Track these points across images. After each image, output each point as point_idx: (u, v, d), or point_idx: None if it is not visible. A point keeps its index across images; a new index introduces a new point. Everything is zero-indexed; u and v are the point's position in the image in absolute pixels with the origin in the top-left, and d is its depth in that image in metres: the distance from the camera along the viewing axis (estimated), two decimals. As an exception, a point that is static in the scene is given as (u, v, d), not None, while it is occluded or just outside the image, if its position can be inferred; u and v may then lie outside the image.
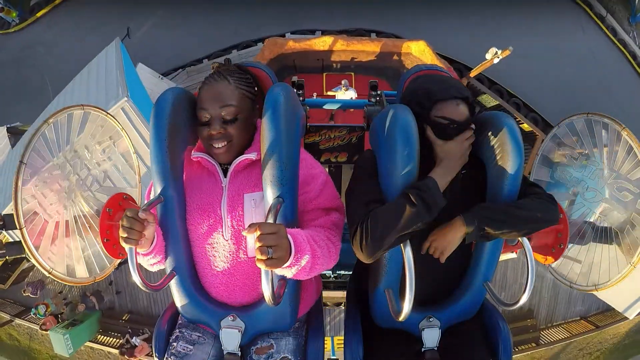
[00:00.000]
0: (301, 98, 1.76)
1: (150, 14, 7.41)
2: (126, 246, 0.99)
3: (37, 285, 6.93)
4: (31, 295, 6.88)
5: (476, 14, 7.27)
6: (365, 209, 1.09)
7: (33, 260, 1.15)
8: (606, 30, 7.59)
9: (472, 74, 5.02)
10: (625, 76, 7.52)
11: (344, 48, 4.91)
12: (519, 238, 1.10)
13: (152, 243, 1.08)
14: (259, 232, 0.87)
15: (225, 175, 1.16)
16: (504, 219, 1.07)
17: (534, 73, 6.89)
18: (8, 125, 5.45)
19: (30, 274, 6.92)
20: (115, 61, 3.79)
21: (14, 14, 8.14)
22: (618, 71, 7.48)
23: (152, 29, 7.39)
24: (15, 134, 5.45)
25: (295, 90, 1.71)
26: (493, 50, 3.85)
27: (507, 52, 3.86)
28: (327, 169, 1.96)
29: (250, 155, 1.15)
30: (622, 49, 7.59)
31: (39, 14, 7.88)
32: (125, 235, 0.98)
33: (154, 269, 1.18)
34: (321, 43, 4.87)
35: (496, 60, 4.05)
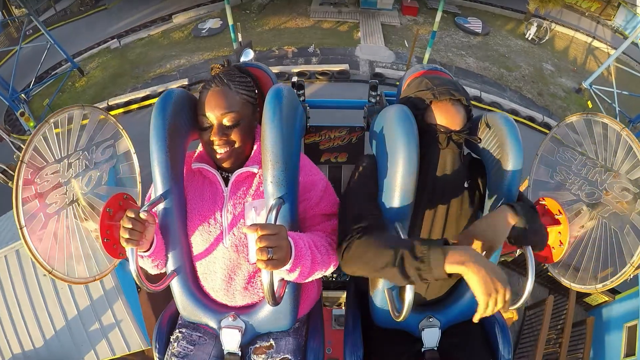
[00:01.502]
0: (301, 98, 1.76)
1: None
2: (127, 246, 1.00)
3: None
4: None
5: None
6: (354, 225, 1.06)
7: (33, 260, 1.15)
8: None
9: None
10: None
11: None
12: None
13: (151, 244, 1.08)
14: (260, 233, 0.87)
15: (226, 184, 1.16)
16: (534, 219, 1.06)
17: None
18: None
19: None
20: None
21: (32, 124, 8.48)
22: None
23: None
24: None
25: (295, 90, 1.71)
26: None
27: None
28: (327, 169, 1.97)
29: (252, 169, 1.14)
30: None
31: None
32: (126, 235, 0.98)
33: (156, 270, 1.18)
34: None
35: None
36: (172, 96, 1.14)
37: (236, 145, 1.12)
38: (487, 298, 0.85)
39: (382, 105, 1.69)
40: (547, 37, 12.67)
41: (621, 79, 10.38)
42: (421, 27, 11.57)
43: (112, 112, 9.40)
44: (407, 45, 11.56)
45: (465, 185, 1.21)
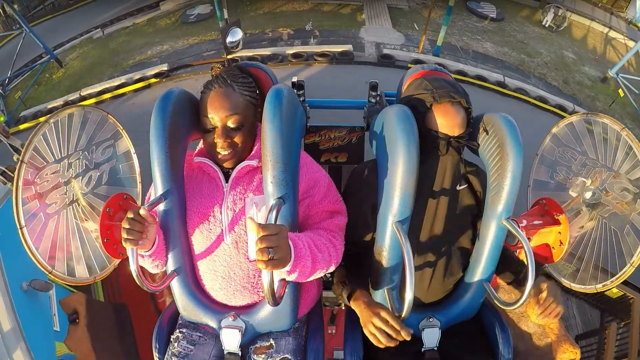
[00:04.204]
0: (301, 98, 1.76)
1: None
2: (127, 246, 1.00)
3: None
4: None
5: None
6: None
7: (33, 260, 1.15)
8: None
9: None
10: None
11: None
12: (519, 237, 1.10)
13: (153, 244, 1.08)
14: (261, 233, 0.87)
15: (226, 180, 1.16)
16: None
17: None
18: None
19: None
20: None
21: (2, 119, 8.07)
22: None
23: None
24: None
25: (295, 90, 1.71)
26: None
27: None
28: (326, 169, 1.96)
29: (252, 162, 1.15)
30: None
31: (21, 127, 8.04)
32: (126, 235, 0.98)
33: (156, 270, 1.18)
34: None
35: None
36: (172, 96, 1.14)
37: (239, 147, 1.13)
38: (367, 326, 1.06)
39: (382, 105, 1.69)
40: (564, 25, 11.80)
41: (640, 69, 9.90)
42: (431, 10, 10.28)
43: (85, 103, 8.50)
44: (417, 28, 10.56)
45: (458, 188, 1.21)
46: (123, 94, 8.91)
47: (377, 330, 1.04)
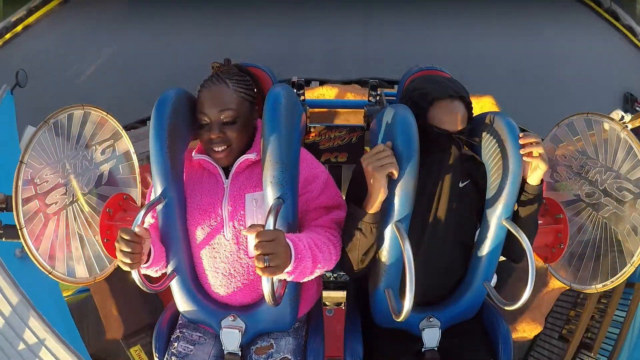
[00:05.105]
0: (301, 98, 1.76)
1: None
2: (129, 270, 0.97)
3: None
4: None
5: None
6: None
7: (33, 260, 1.15)
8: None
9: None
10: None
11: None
12: (519, 237, 1.10)
13: (149, 257, 1.06)
14: (257, 240, 0.87)
15: (226, 176, 1.16)
16: None
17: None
18: None
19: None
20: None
21: None
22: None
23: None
24: None
25: (295, 90, 1.71)
26: (618, 113, 1.88)
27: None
28: (326, 169, 1.96)
29: (251, 156, 1.15)
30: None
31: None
32: (125, 260, 0.95)
33: (158, 274, 1.17)
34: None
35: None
36: (172, 96, 1.15)
37: (233, 143, 1.13)
38: (369, 161, 1.05)
39: (382, 105, 1.70)
40: None
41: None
42: None
43: (51, 5, 6.23)
44: None
45: (461, 185, 1.21)
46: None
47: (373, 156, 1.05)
